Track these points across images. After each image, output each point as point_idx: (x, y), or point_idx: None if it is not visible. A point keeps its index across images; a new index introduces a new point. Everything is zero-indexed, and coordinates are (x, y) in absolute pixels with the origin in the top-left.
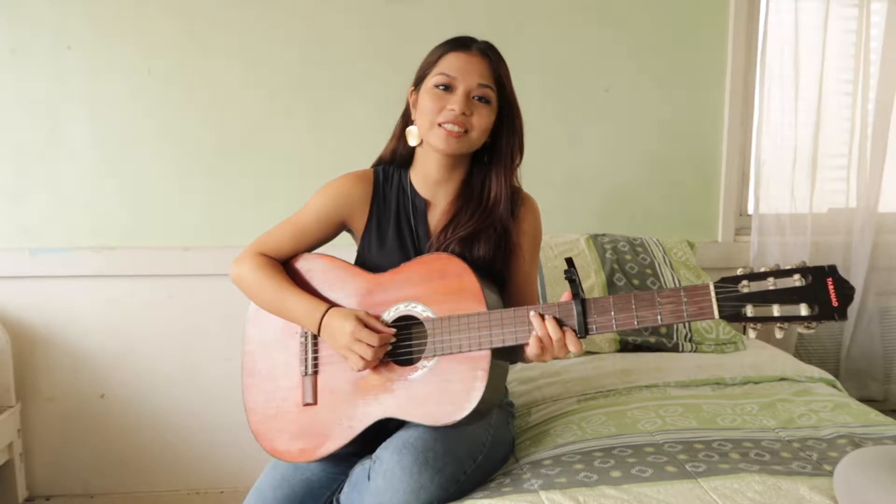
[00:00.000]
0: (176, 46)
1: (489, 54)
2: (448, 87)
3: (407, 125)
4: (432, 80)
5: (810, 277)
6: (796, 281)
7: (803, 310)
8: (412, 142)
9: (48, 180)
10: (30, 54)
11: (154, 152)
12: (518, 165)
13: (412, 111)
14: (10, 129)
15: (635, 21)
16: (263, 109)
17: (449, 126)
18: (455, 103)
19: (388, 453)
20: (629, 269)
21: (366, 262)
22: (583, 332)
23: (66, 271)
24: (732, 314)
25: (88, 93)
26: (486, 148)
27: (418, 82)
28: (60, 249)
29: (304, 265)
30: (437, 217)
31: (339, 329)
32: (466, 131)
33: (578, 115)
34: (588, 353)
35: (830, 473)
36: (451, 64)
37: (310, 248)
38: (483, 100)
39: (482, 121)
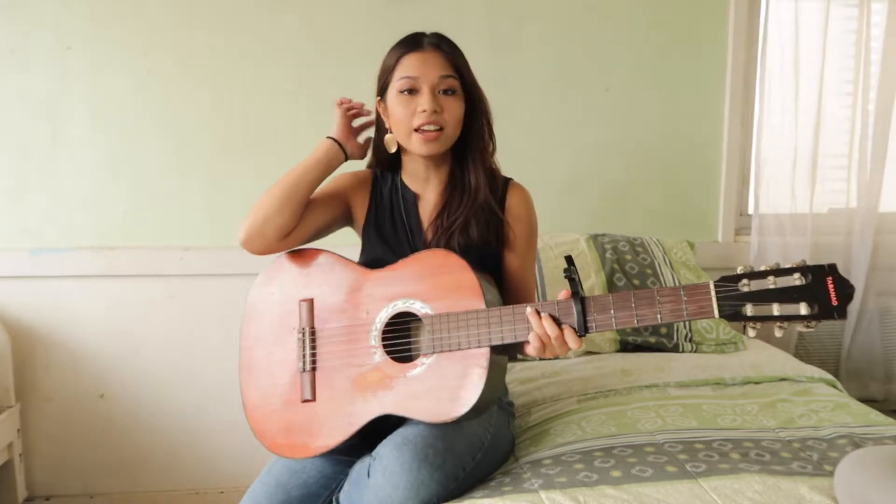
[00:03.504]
0: (176, 46)
1: (442, 47)
2: (412, 90)
3: (382, 134)
4: (395, 86)
5: (810, 276)
6: (796, 280)
7: (803, 309)
8: (391, 149)
9: (48, 180)
10: (30, 54)
11: (154, 152)
12: (493, 150)
13: (384, 120)
14: (11, 129)
15: (635, 21)
16: (264, 109)
17: (425, 128)
18: (424, 103)
19: (387, 450)
20: (629, 269)
21: (369, 258)
22: (582, 330)
23: (66, 271)
24: (732, 313)
25: (89, 92)
26: (461, 136)
27: (382, 91)
28: (60, 249)
29: (306, 259)
30: (427, 210)
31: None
32: (442, 128)
33: (578, 115)
34: (588, 353)
35: (831, 474)
36: (409, 66)
37: (315, 227)
38: (449, 92)
39: (453, 113)
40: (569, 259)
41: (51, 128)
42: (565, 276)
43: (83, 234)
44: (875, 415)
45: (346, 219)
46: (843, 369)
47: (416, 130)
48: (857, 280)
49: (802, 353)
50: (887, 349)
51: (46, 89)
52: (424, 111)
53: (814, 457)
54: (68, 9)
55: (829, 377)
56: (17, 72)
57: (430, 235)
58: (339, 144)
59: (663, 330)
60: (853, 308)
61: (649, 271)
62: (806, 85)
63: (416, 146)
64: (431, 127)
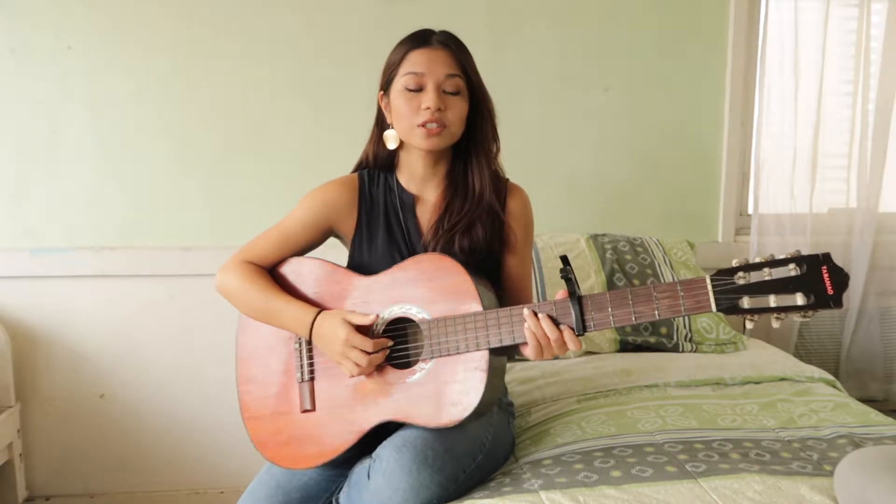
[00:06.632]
0: (176, 46)
1: (450, 45)
2: (418, 87)
3: (382, 129)
4: (400, 81)
5: (805, 266)
6: (791, 270)
7: (799, 299)
8: (391, 145)
9: (48, 180)
10: (30, 54)
11: (154, 152)
12: (497, 152)
13: (385, 115)
14: (11, 129)
15: (635, 21)
16: (264, 109)
17: (429, 125)
18: (429, 101)
19: (387, 452)
20: (629, 269)
21: (358, 263)
22: (581, 329)
23: (66, 271)
24: (729, 307)
25: (89, 93)
26: (464, 137)
27: (386, 86)
28: (60, 249)
29: (294, 269)
30: (427, 212)
31: (331, 335)
32: (445, 126)
33: (578, 115)
34: (588, 353)
35: (831, 473)
36: (416, 62)
37: (297, 255)
38: (454, 92)
39: (457, 112)
40: (564, 259)
41: (51, 128)
42: (562, 277)
43: (83, 234)
44: (875, 415)
45: (328, 237)
46: (843, 369)
47: (419, 126)
48: (857, 280)
49: (802, 353)
50: (887, 349)
51: (46, 89)
52: (429, 108)
53: (814, 457)
54: (68, 9)
55: (829, 377)
56: (17, 72)
57: (429, 239)
58: (312, 326)
59: (663, 330)
60: (853, 308)
61: (649, 271)
62: (806, 85)
63: (418, 140)
64: (434, 125)
